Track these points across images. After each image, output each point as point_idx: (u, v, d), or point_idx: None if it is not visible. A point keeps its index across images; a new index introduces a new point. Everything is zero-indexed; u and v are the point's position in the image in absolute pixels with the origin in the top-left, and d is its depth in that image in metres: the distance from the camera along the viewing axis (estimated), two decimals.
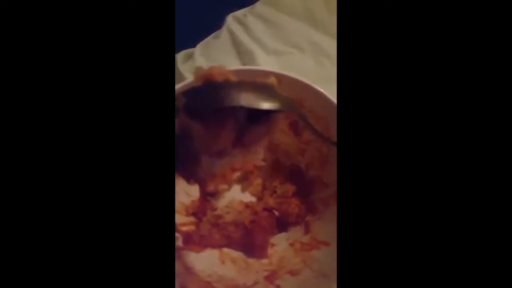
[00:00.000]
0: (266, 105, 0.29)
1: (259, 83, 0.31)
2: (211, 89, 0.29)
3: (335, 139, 0.41)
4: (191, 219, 0.47)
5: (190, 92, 0.29)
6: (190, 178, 0.34)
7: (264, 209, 0.48)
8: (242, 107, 0.29)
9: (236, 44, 0.59)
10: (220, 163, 0.33)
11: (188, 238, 0.45)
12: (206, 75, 0.30)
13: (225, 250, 0.46)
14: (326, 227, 0.45)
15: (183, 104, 0.28)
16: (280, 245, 0.46)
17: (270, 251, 0.46)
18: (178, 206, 0.46)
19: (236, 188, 0.50)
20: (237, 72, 0.43)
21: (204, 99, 0.29)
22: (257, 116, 0.30)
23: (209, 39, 0.61)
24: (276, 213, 0.48)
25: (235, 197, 0.49)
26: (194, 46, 0.60)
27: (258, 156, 0.34)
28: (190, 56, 0.60)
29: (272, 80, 0.32)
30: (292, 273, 0.43)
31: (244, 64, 0.58)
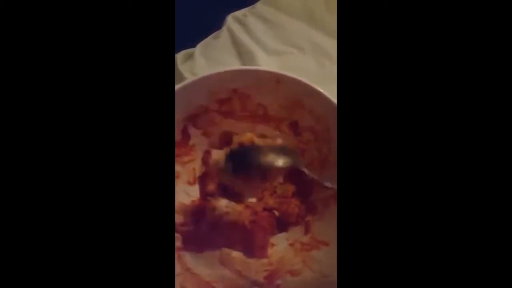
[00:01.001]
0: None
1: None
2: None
3: (335, 139, 0.41)
4: (191, 219, 0.47)
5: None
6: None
7: (264, 209, 0.48)
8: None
9: (236, 44, 0.59)
10: None
11: (188, 238, 0.45)
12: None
13: (225, 250, 0.46)
14: (326, 227, 0.45)
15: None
16: (280, 245, 0.46)
17: (270, 251, 0.46)
18: (178, 206, 0.46)
19: None
20: (237, 72, 0.44)
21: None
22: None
23: (209, 39, 0.61)
24: (276, 213, 0.48)
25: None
26: (194, 46, 0.60)
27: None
28: (190, 56, 0.59)
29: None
30: (292, 273, 0.43)
31: (244, 64, 0.58)
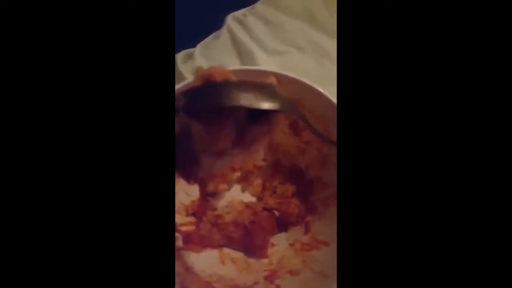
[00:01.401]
0: (266, 105, 0.29)
1: (259, 83, 0.31)
2: (211, 89, 0.29)
3: (335, 139, 0.41)
4: (191, 219, 0.47)
5: (190, 92, 0.29)
6: (190, 178, 0.34)
7: (264, 209, 0.48)
8: (242, 107, 0.28)
9: (236, 44, 0.59)
10: (220, 163, 0.32)
11: (188, 238, 0.45)
12: (206, 75, 0.30)
13: (225, 250, 0.46)
14: (326, 227, 0.45)
15: (183, 104, 0.28)
16: (280, 245, 0.46)
17: (270, 251, 0.46)
18: (178, 206, 0.46)
19: (236, 188, 0.50)
20: (237, 72, 0.43)
21: (204, 99, 0.28)
22: (257, 116, 0.30)
23: (209, 39, 0.61)
24: (276, 213, 0.48)
25: (235, 197, 0.49)
26: (194, 46, 0.60)
27: (258, 156, 0.34)
28: (190, 56, 0.60)
29: (272, 80, 0.32)
30: (292, 273, 0.43)
31: (244, 64, 0.58)
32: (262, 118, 0.30)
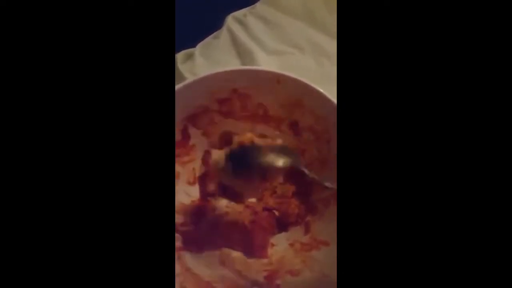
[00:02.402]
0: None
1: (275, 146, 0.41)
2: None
3: (335, 139, 0.41)
4: (191, 219, 0.47)
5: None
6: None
7: (264, 209, 0.48)
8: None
9: (236, 44, 0.59)
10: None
11: (188, 238, 0.45)
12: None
13: (225, 250, 0.46)
14: (326, 227, 0.45)
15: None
16: (280, 245, 0.46)
17: (270, 251, 0.46)
18: (178, 206, 0.46)
19: None
20: (237, 72, 0.44)
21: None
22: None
23: (209, 39, 0.61)
24: (276, 213, 0.48)
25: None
26: (194, 46, 0.60)
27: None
28: (190, 56, 0.60)
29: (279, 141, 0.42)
30: (292, 273, 0.43)
31: (244, 64, 0.58)
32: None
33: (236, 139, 0.41)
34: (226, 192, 0.43)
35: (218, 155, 0.41)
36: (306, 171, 0.41)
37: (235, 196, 0.43)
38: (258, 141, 0.41)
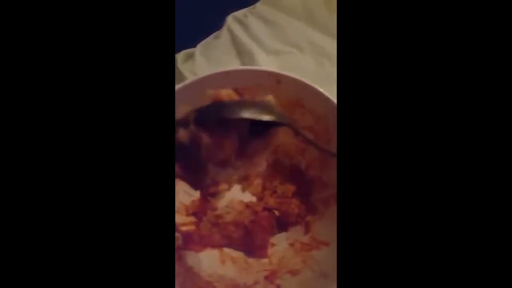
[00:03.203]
0: (265, 117, 0.33)
1: (258, 101, 0.36)
2: (218, 106, 0.34)
3: (335, 139, 0.41)
4: (191, 219, 0.47)
5: (200, 109, 0.34)
6: (196, 185, 0.37)
7: (264, 209, 0.48)
8: (243, 120, 0.32)
9: (236, 44, 0.59)
10: (224, 173, 0.35)
11: (188, 238, 0.45)
12: (213, 95, 0.35)
13: (225, 250, 0.46)
14: (326, 227, 0.45)
15: (194, 118, 0.33)
16: (280, 245, 0.46)
17: (270, 251, 0.46)
18: (178, 206, 0.46)
19: (236, 188, 0.49)
20: (237, 72, 0.44)
21: (211, 114, 0.33)
22: (258, 130, 0.34)
23: (209, 39, 0.61)
24: (276, 213, 0.48)
25: (235, 197, 0.49)
26: (194, 46, 0.60)
27: (260, 168, 0.37)
28: (190, 56, 0.60)
29: (270, 98, 0.36)
30: (292, 273, 0.43)
31: (244, 64, 0.58)
32: (263, 132, 0.34)
33: (209, 94, 0.35)
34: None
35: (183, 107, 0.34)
36: (300, 130, 0.36)
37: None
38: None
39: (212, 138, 0.33)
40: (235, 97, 0.36)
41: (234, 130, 0.33)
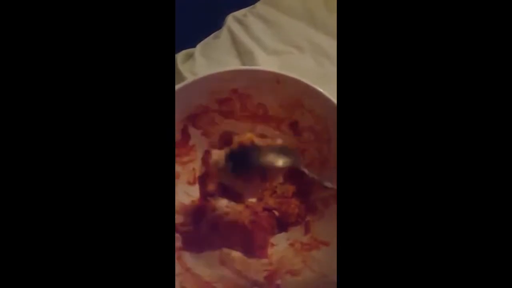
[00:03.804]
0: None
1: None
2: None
3: (335, 139, 0.41)
4: (191, 219, 0.47)
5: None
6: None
7: (264, 209, 0.48)
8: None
9: (236, 44, 0.59)
10: None
11: (188, 238, 0.45)
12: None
13: (225, 250, 0.46)
14: (326, 227, 0.45)
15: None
16: (280, 245, 0.46)
17: (270, 251, 0.46)
18: (178, 206, 0.46)
19: None
20: (237, 72, 0.44)
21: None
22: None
23: (209, 39, 0.61)
24: (276, 213, 0.48)
25: None
26: (194, 46, 0.60)
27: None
28: (190, 56, 0.60)
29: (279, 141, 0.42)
30: (292, 273, 0.43)
31: (244, 64, 0.58)
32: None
33: (236, 139, 0.41)
34: (226, 192, 0.42)
35: (218, 155, 0.41)
36: (306, 171, 0.41)
37: (235, 196, 0.43)
38: (258, 141, 0.41)
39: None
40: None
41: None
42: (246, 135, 0.41)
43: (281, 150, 0.41)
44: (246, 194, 0.43)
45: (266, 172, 0.40)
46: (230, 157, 0.40)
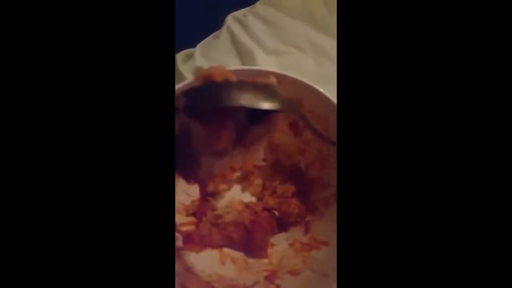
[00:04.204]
0: (266, 105, 0.29)
1: (259, 83, 0.31)
2: (211, 89, 0.29)
3: (335, 139, 0.41)
4: (191, 219, 0.47)
5: (190, 92, 0.29)
6: (190, 178, 0.34)
7: (264, 209, 0.48)
8: (242, 107, 0.29)
9: (236, 44, 0.59)
10: (220, 163, 0.33)
11: (188, 238, 0.45)
12: (206, 75, 0.30)
13: (225, 250, 0.46)
14: (326, 227, 0.45)
15: (183, 104, 0.28)
16: (280, 245, 0.46)
17: (270, 251, 0.46)
18: (178, 206, 0.46)
19: (236, 188, 0.50)
20: (237, 72, 0.43)
21: (204, 99, 0.29)
22: (257, 116, 0.30)
23: (209, 39, 0.61)
24: (276, 213, 0.48)
25: (235, 197, 0.49)
26: (194, 46, 0.60)
27: (258, 156, 0.34)
28: (190, 56, 0.60)
29: (272, 80, 0.32)
30: (292, 273, 0.43)
31: (244, 64, 0.58)
32: (262, 118, 0.31)
33: (201, 72, 0.30)
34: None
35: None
36: (309, 121, 0.33)
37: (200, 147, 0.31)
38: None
39: (205, 128, 0.29)
40: (231, 77, 0.30)
41: (231, 118, 0.29)
42: (218, 67, 0.30)
43: (267, 91, 0.30)
44: (211, 146, 0.31)
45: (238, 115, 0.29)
46: (189, 93, 0.29)
